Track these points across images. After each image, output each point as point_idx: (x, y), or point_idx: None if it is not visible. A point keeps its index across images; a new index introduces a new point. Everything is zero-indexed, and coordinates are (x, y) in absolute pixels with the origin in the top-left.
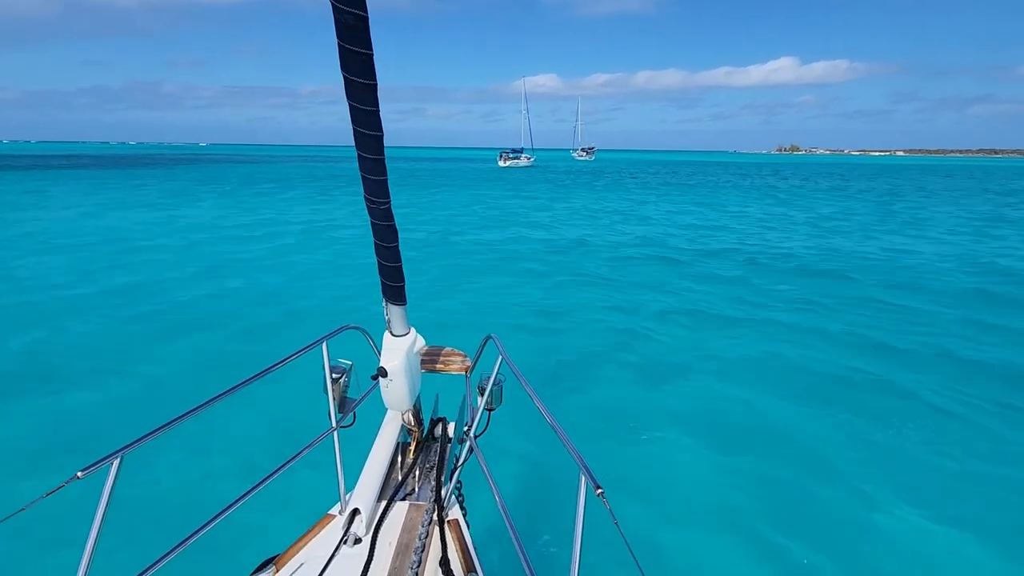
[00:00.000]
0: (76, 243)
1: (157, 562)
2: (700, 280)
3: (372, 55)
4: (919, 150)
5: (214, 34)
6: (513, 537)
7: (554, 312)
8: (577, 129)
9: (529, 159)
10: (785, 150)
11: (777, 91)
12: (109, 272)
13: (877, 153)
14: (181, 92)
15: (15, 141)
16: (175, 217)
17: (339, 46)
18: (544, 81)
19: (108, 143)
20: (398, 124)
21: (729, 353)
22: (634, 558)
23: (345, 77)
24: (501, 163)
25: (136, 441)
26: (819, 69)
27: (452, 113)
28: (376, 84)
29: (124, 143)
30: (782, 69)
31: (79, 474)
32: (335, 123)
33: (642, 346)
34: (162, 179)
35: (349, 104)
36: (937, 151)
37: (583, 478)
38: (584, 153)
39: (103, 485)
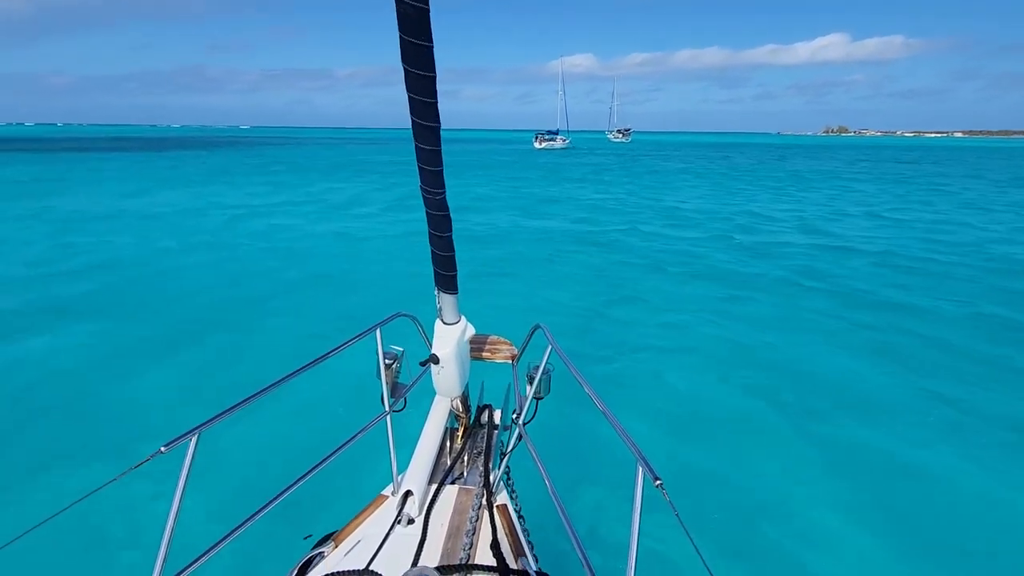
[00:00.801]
0: (144, 220)
1: (228, 536)
2: None
3: (432, 47)
4: (980, 131)
5: (255, 16)
6: (566, 523)
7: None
8: (613, 110)
9: (564, 141)
10: (833, 131)
11: (825, 69)
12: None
13: (933, 135)
14: (224, 76)
15: (68, 124)
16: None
17: (400, 39)
18: (580, 61)
19: (155, 126)
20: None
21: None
22: (696, 550)
23: (405, 69)
24: (536, 145)
25: (212, 419)
26: (871, 46)
27: (487, 95)
28: (435, 76)
29: (169, 126)
30: (831, 46)
31: (162, 449)
32: (370, 106)
33: None
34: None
35: (408, 96)
36: (1000, 132)
37: (640, 468)
38: (620, 135)
39: (182, 460)
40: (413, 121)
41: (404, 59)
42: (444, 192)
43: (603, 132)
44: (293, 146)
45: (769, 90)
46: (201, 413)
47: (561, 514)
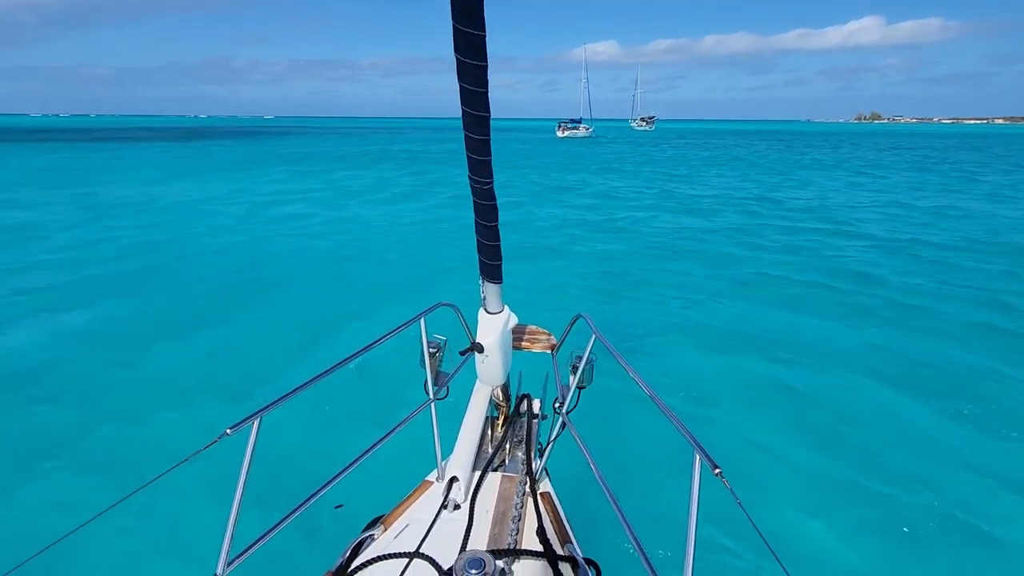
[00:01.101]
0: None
1: (287, 517)
2: None
3: (485, 36)
4: (1022, 117)
5: (281, 6)
6: (617, 512)
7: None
8: (636, 98)
9: (587, 129)
10: (865, 118)
11: (858, 54)
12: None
13: (972, 121)
14: (249, 67)
15: (101, 115)
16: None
17: (453, 28)
18: (603, 49)
19: (183, 116)
20: (454, 96)
21: None
22: (763, 538)
23: (458, 59)
24: (559, 133)
25: (272, 404)
26: (907, 29)
27: (510, 83)
28: (487, 65)
29: (196, 116)
30: (864, 30)
31: (227, 431)
32: (392, 95)
33: None
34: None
35: (460, 85)
36: None
37: (697, 457)
38: (643, 123)
39: (246, 443)
40: (464, 111)
41: (457, 49)
42: (492, 181)
43: (626, 120)
44: (314, 135)
45: (799, 76)
46: (220, 381)
47: (612, 502)
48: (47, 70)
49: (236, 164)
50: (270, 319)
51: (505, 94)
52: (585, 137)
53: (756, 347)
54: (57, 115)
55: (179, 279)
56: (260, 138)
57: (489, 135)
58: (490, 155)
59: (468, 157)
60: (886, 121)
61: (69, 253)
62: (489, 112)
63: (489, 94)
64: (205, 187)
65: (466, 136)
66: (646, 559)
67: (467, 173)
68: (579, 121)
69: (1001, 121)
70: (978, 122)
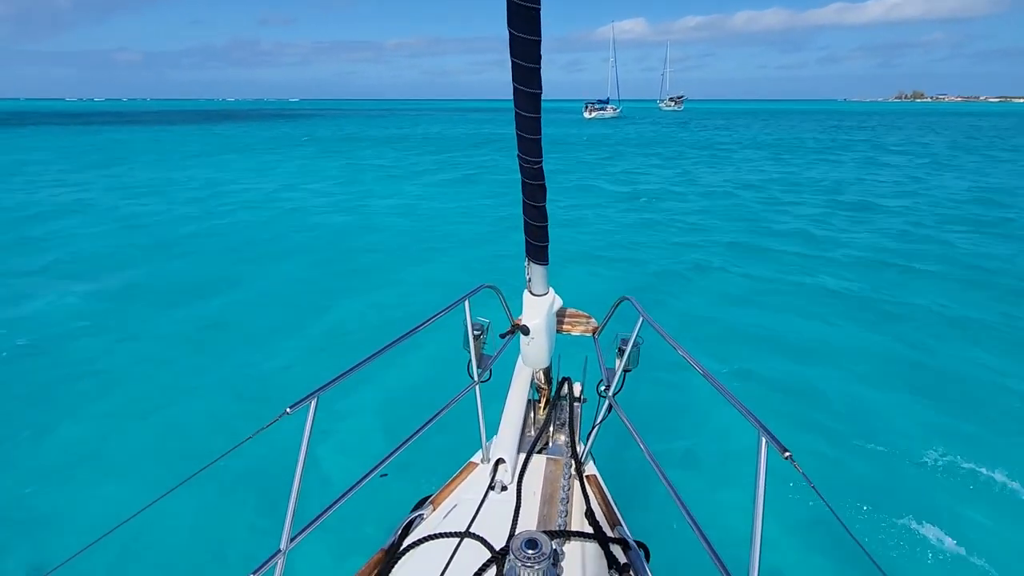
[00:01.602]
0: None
1: (344, 495)
2: None
3: (539, 9)
4: None
5: None
6: (673, 495)
7: None
8: (665, 77)
9: (615, 110)
10: (906, 97)
11: (899, 29)
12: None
13: (1021, 100)
14: (275, 49)
15: (133, 99)
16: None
17: (508, 3)
18: (630, 27)
19: (212, 99)
20: (476, 76)
21: None
22: (839, 520)
23: (511, 33)
24: (586, 115)
25: (328, 384)
26: (953, 2)
27: None
28: (540, 40)
29: (224, 99)
30: (907, 3)
31: (287, 410)
32: (416, 76)
33: None
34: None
35: (512, 61)
36: None
37: (763, 440)
38: (672, 103)
39: (304, 421)
40: (515, 88)
41: (511, 23)
42: (541, 161)
43: (654, 100)
44: (339, 117)
45: (834, 53)
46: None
47: (667, 485)
48: (81, 55)
49: (262, 145)
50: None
51: None
52: (613, 118)
53: None
54: (92, 99)
55: (209, 247)
56: (287, 121)
57: (540, 113)
58: (540, 134)
59: (518, 136)
60: (929, 100)
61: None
62: (541, 89)
63: (541, 70)
64: (230, 167)
65: (516, 114)
66: (707, 542)
67: (515, 152)
68: (606, 102)
69: None
70: None
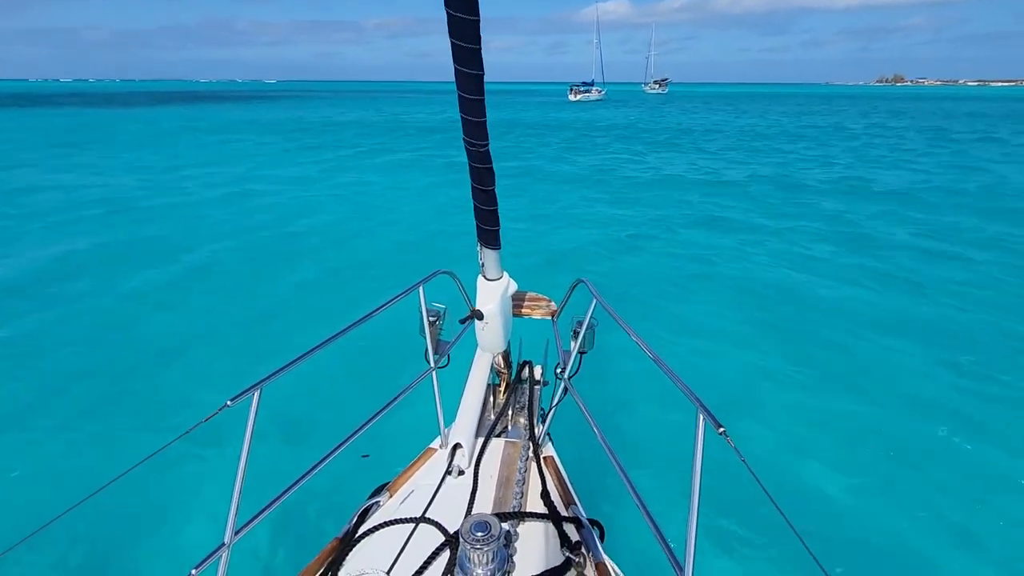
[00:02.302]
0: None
1: (291, 487)
2: None
3: None
4: None
5: None
6: (621, 473)
7: None
8: (650, 60)
9: (600, 93)
10: (888, 81)
11: (880, 13)
12: None
13: (1000, 84)
14: (252, 29)
15: (100, 80)
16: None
17: None
18: (613, 8)
19: (185, 80)
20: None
21: None
22: (767, 494)
23: (448, 14)
24: (571, 97)
25: (272, 374)
26: None
27: (515, 45)
28: (479, 19)
29: (196, 80)
30: None
31: (228, 403)
32: (399, 58)
33: None
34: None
35: (451, 42)
36: None
37: (701, 417)
38: (656, 86)
39: (247, 414)
40: (456, 69)
41: (448, 3)
42: (487, 144)
43: (638, 84)
44: (311, 99)
45: (816, 37)
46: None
47: (615, 464)
48: (47, 33)
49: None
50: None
51: (509, 57)
52: (598, 100)
53: None
54: (57, 80)
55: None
56: (263, 103)
57: (483, 95)
58: (485, 116)
59: (463, 119)
60: (909, 84)
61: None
62: (483, 70)
63: (482, 51)
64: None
65: (459, 96)
66: (649, 517)
67: (461, 135)
68: (591, 84)
69: None
70: (1007, 84)
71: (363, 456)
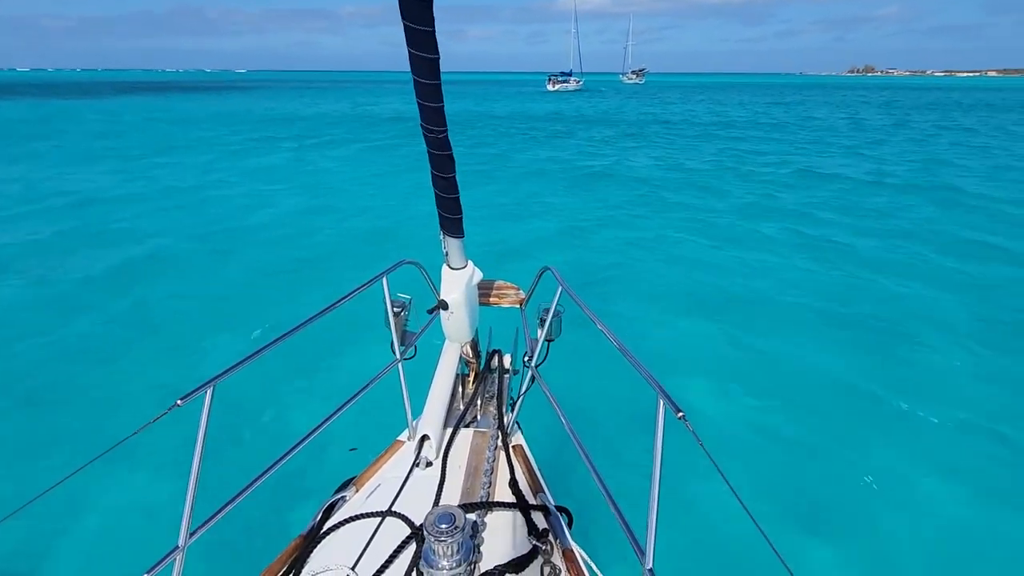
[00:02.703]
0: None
1: (250, 485)
2: None
3: None
4: (1015, 70)
5: None
6: (585, 459)
7: None
8: (628, 50)
9: (578, 83)
10: (859, 71)
11: (854, 2)
12: None
13: (965, 74)
14: (222, 17)
15: (60, 69)
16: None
17: None
18: None
19: (151, 70)
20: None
21: None
22: (724, 478)
23: None
24: (550, 87)
25: (226, 371)
26: None
27: (493, 34)
28: (431, 2)
29: (163, 70)
30: None
31: (179, 402)
32: (375, 47)
33: None
34: None
35: (404, 24)
36: None
37: (661, 402)
38: (634, 76)
39: (200, 413)
40: (410, 53)
41: None
42: (446, 130)
43: (616, 74)
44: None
45: (792, 27)
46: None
47: (580, 450)
48: (4, 20)
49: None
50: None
51: (488, 47)
52: (576, 91)
53: None
54: (13, 69)
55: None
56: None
57: (439, 79)
58: (442, 101)
59: (419, 105)
60: (879, 74)
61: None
62: (438, 54)
63: (436, 34)
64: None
65: (415, 81)
66: (612, 501)
67: (419, 121)
68: (569, 74)
69: (994, 74)
70: (971, 75)
71: (351, 450)
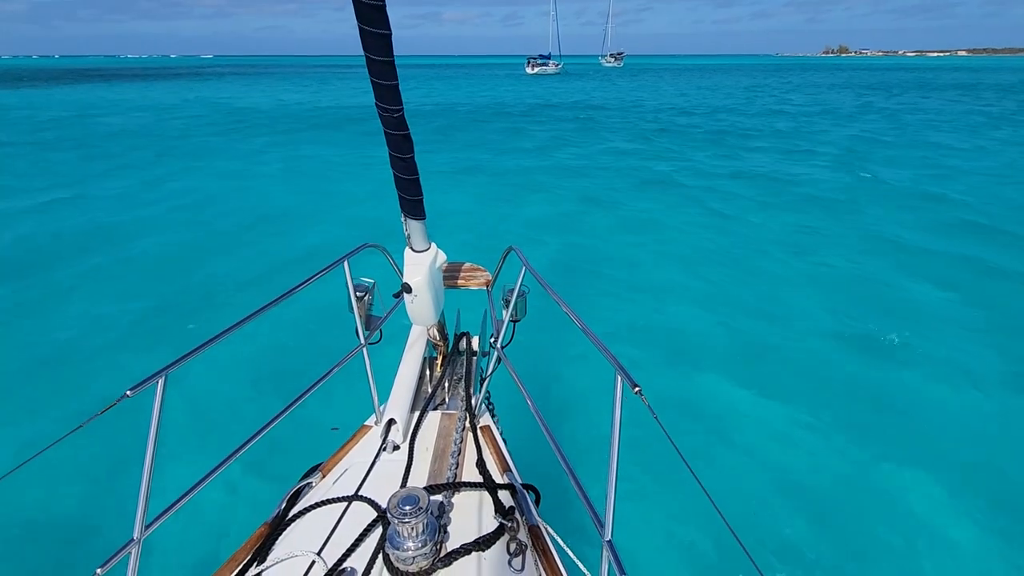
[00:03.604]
0: None
1: (209, 475)
2: None
3: None
4: (984, 49)
5: None
6: (548, 437)
7: None
8: (607, 32)
9: (557, 66)
10: (833, 52)
11: None
12: None
13: (936, 54)
14: (189, 0)
15: (16, 56)
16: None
17: None
18: None
19: (113, 56)
20: (411, 31)
21: None
22: (677, 450)
23: None
24: (529, 70)
25: (178, 360)
26: None
27: (468, 17)
28: None
29: (125, 56)
30: None
31: (128, 393)
32: (347, 30)
33: None
34: None
35: (353, 1)
36: (1006, 50)
37: (619, 377)
38: (612, 59)
39: (152, 404)
40: (361, 29)
41: None
42: (402, 109)
43: (595, 56)
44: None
45: (766, 8)
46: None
47: (543, 429)
48: None
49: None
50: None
51: (463, 30)
52: (555, 74)
53: None
54: None
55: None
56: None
57: (392, 56)
58: (397, 79)
59: (373, 83)
60: (853, 55)
61: None
62: (389, 30)
63: (387, 7)
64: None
65: (367, 59)
66: (574, 478)
67: (374, 101)
68: (548, 57)
69: (964, 53)
70: (942, 55)
71: (333, 429)
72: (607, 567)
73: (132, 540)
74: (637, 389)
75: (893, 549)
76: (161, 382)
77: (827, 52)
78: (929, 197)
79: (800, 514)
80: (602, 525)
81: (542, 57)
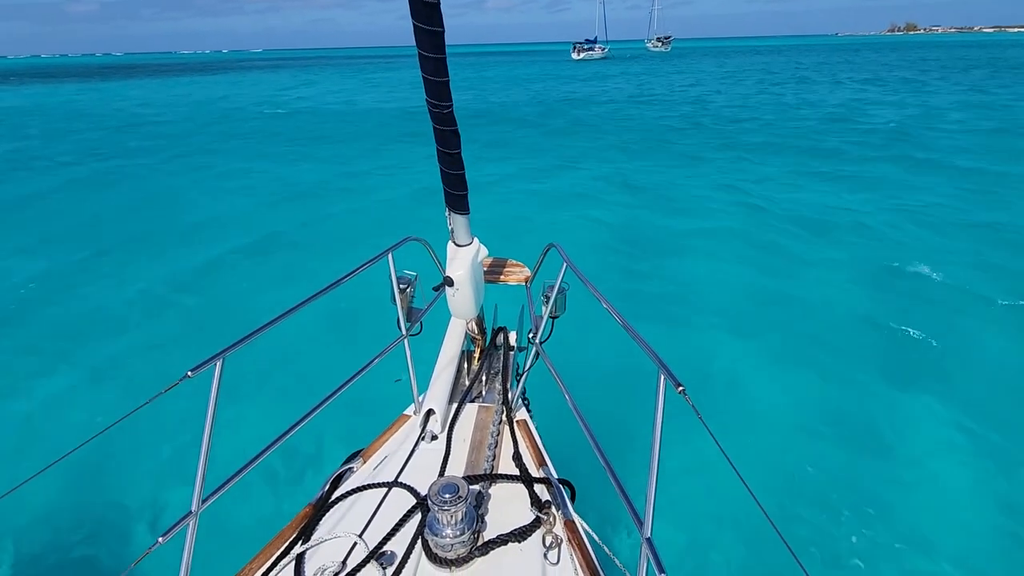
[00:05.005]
0: None
1: (259, 455)
2: None
3: None
4: None
5: None
6: (587, 434)
7: None
8: (653, 15)
9: (603, 50)
10: (900, 30)
11: None
12: None
13: (1017, 29)
14: None
15: (86, 55)
16: None
17: None
18: None
19: (172, 52)
20: (455, 20)
21: None
22: (722, 451)
23: None
24: (575, 55)
25: (235, 344)
26: None
27: (513, 4)
28: None
29: (180, 52)
30: None
31: (189, 373)
32: (393, 22)
33: None
34: None
35: None
36: None
37: (662, 377)
38: (659, 43)
39: (210, 384)
40: (414, 25)
41: None
42: (451, 105)
43: (641, 40)
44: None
45: None
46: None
47: (582, 425)
48: (28, 7)
49: None
50: None
51: (508, 17)
52: (602, 59)
53: None
54: (38, 56)
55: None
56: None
57: (444, 53)
58: (447, 76)
59: (424, 79)
60: (923, 32)
61: None
62: (443, 27)
63: (441, 6)
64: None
65: (419, 55)
66: (612, 473)
67: (424, 96)
68: (594, 41)
69: None
70: (1022, 30)
71: (396, 380)
72: (646, 565)
73: (190, 512)
74: (681, 389)
75: None
76: (219, 364)
77: (892, 30)
78: None
79: (850, 514)
80: (641, 523)
81: (588, 42)
